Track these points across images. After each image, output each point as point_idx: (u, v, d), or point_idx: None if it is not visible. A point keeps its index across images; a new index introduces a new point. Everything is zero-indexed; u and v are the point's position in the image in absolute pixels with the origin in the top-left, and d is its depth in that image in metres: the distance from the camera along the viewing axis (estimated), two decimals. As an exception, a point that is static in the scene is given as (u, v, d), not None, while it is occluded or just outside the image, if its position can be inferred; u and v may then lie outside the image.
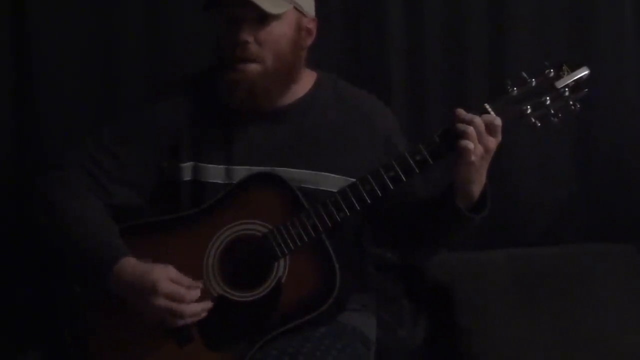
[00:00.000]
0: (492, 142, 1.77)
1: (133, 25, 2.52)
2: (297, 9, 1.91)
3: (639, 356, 2.24)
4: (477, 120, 1.76)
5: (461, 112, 1.78)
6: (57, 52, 2.48)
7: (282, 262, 1.86)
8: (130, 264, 1.83)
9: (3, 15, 2.44)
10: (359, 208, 1.84)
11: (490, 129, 1.76)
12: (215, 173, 1.96)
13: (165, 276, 1.81)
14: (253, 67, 1.88)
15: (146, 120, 2.00)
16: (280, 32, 1.89)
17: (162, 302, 1.80)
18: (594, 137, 2.70)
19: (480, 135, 1.75)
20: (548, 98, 1.78)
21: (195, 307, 1.83)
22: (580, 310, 2.33)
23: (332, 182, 1.94)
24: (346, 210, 1.84)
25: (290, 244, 1.85)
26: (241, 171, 1.94)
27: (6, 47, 2.46)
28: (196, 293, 1.84)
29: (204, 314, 1.85)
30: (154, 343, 1.89)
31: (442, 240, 2.00)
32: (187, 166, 1.97)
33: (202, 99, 1.99)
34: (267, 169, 1.92)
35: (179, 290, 1.82)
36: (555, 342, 2.27)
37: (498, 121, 1.77)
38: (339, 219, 1.84)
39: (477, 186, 1.82)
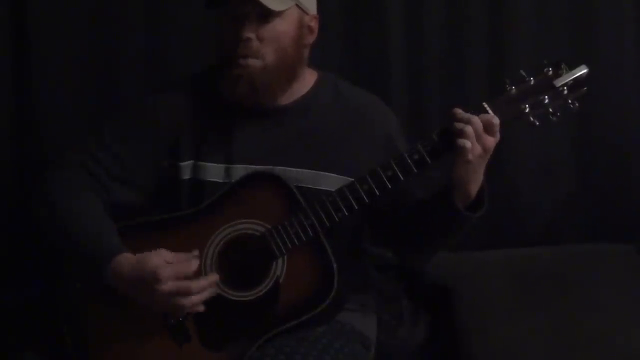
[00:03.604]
0: (491, 142, 1.77)
1: (133, 25, 2.52)
2: (299, 7, 1.92)
3: (638, 356, 2.24)
4: (475, 119, 1.76)
5: (459, 111, 1.79)
6: (57, 53, 2.48)
7: (280, 261, 1.86)
8: (127, 260, 1.83)
9: (3, 15, 2.45)
10: (357, 208, 1.84)
11: (488, 128, 1.76)
12: (214, 172, 1.96)
13: (161, 261, 1.81)
14: (255, 63, 1.88)
15: (146, 119, 2.00)
16: (282, 29, 1.89)
17: (166, 286, 1.79)
18: (594, 137, 2.70)
19: (479, 134, 1.76)
20: (547, 97, 1.78)
21: (201, 282, 1.83)
22: (580, 310, 2.33)
23: (331, 181, 1.94)
24: (344, 210, 1.84)
25: (289, 244, 1.85)
26: (240, 170, 1.94)
27: (6, 47, 2.46)
28: (195, 263, 1.83)
29: (211, 290, 1.84)
30: (153, 342, 1.89)
31: (440, 241, 1.99)
32: (186, 165, 1.97)
33: (202, 97, 1.99)
34: (266, 167, 1.92)
35: (180, 267, 1.81)
36: (555, 342, 2.27)
37: (496, 120, 1.77)
38: (337, 218, 1.84)
39: (475, 185, 1.82)
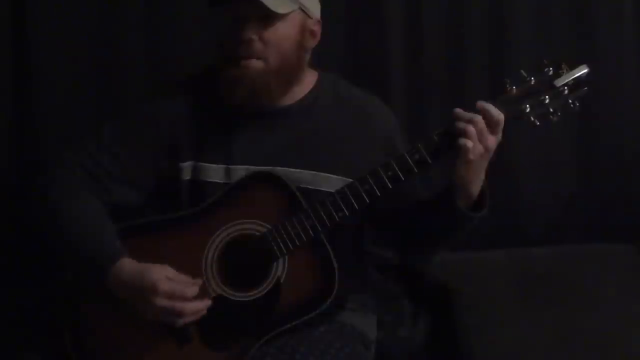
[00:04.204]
0: (492, 141, 1.77)
1: (133, 25, 2.52)
2: (303, 10, 1.92)
3: (638, 356, 2.24)
4: (478, 118, 1.76)
5: (460, 111, 1.79)
6: (57, 53, 2.48)
7: (281, 261, 1.86)
8: (128, 265, 1.83)
9: (3, 15, 2.44)
10: (357, 208, 1.84)
11: (493, 124, 1.76)
12: (214, 172, 1.96)
13: (163, 275, 1.81)
14: (256, 64, 1.89)
15: (146, 119, 2.00)
16: (285, 32, 1.89)
17: (162, 301, 1.80)
18: (594, 137, 2.70)
19: (481, 133, 1.76)
20: (547, 97, 1.78)
21: (195, 305, 1.83)
22: (581, 310, 2.33)
23: (332, 182, 1.94)
24: (345, 210, 1.84)
25: (289, 244, 1.85)
26: (241, 171, 1.94)
27: (6, 47, 2.46)
28: (194, 290, 1.83)
29: (203, 312, 1.85)
30: (153, 343, 1.89)
31: (442, 240, 2.00)
32: (186, 165, 1.97)
33: (203, 98, 1.99)
34: (267, 168, 1.92)
35: (178, 288, 1.81)
36: (556, 342, 2.26)
37: (501, 116, 1.77)
38: (337, 219, 1.84)
39: (476, 185, 1.82)
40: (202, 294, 1.86)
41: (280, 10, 1.87)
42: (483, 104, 1.77)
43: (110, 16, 2.50)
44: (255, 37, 1.87)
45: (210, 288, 1.88)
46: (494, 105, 1.78)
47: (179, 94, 2.00)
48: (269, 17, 1.87)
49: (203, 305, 1.85)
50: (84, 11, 2.49)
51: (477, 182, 1.82)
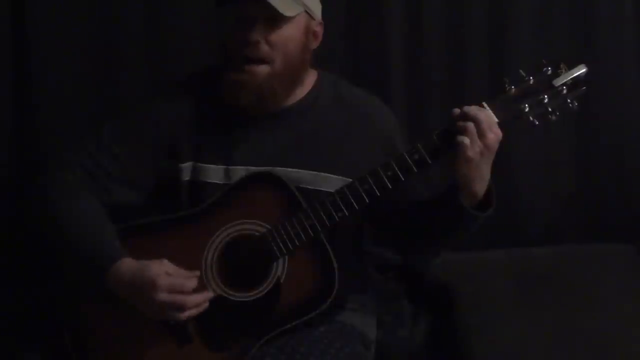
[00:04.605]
0: (492, 139, 1.77)
1: (133, 26, 2.51)
2: (307, 12, 1.92)
3: (638, 356, 2.24)
4: (475, 115, 1.76)
5: (458, 110, 1.79)
6: (57, 53, 2.47)
7: (281, 261, 1.86)
8: (127, 265, 1.83)
9: (3, 15, 2.44)
10: (357, 208, 1.84)
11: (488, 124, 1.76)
12: (214, 173, 1.96)
13: (162, 271, 1.82)
14: (261, 69, 1.88)
15: (146, 119, 1.99)
16: (291, 34, 1.89)
17: (162, 296, 1.80)
18: (594, 137, 2.70)
19: (480, 130, 1.76)
20: (546, 96, 1.79)
21: (196, 298, 1.83)
22: (580, 310, 2.33)
23: (331, 182, 1.94)
24: (345, 210, 1.84)
25: (289, 244, 1.85)
26: (240, 171, 1.94)
27: (6, 47, 2.46)
28: (194, 282, 1.83)
29: (205, 305, 1.85)
30: (154, 343, 1.89)
31: (445, 240, 2.00)
32: (186, 166, 1.97)
33: (203, 98, 1.99)
34: (266, 168, 1.92)
35: (178, 281, 1.82)
36: (556, 341, 2.26)
37: (493, 117, 1.77)
38: (337, 219, 1.84)
39: (480, 184, 1.82)
40: (201, 289, 1.86)
41: (289, 13, 1.86)
42: (468, 110, 1.78)
43: (110, 16, 2.50)
44: (261, 39, 1.87)
45: (211, 288, 1.88)
46: (490, 105, 1.79)
47: (179, 94, 2.00)
48: (276, 20, 1.86)
49: (204, 297, 1.85)
50: (84, 11, 2.49)
51: (480, 181, 1.81)
